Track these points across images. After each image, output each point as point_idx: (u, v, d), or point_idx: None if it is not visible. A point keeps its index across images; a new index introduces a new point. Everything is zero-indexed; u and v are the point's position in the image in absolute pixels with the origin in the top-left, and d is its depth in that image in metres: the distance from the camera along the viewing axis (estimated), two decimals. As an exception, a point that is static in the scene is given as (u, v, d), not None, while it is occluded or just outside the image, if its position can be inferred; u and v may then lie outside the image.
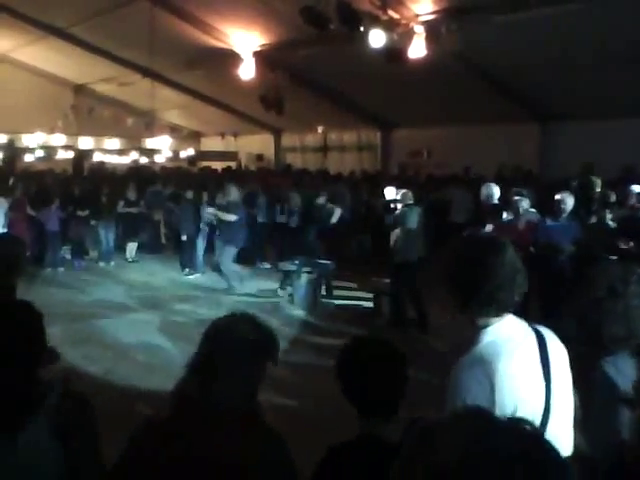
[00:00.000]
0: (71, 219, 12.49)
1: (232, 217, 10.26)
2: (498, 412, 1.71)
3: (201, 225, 11.76)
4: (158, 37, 13.04)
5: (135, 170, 19.49)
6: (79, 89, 20.97)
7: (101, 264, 12.60)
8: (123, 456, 1.91)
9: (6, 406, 1.92)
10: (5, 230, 10.93)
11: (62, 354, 7.03)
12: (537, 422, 1.85)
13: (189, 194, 12.24)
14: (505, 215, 7.98)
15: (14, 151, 19.38)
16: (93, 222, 12.58)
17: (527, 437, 0.82)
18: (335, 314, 9.07)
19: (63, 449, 1.92)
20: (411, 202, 8.32)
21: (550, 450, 0.82)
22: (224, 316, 2.06)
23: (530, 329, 1.98)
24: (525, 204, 7.65)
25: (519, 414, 1.78)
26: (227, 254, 10.37)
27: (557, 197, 7.51)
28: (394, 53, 10.54)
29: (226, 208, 10.46)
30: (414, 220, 8.13)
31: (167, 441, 1.81)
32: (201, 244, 11.90)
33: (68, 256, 12.74)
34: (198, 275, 11.66)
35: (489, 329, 1.93)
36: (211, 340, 1.97)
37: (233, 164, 21.90)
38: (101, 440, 2.06)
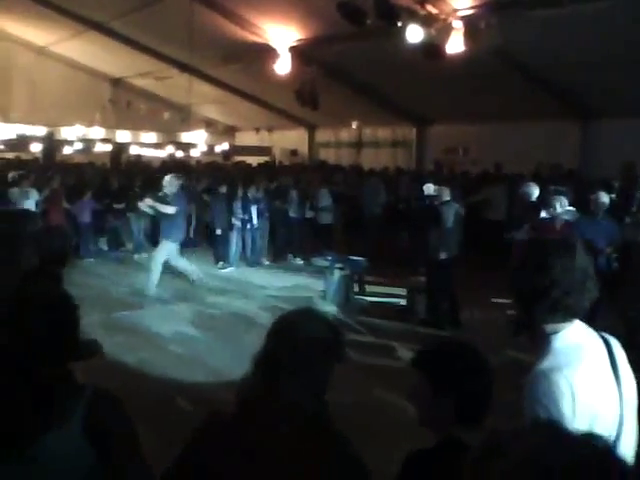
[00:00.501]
0: (107, 211, 12.70)
1: (170, 209, 9.67)
2: (578, 421, 1.73)
3: (233, 220, 11.82)
4: (196, 32, 13.12)
5: (170, 164, 19.69)
6: (117, 83, 21.29)
7: (136, 256, 12.78)
8: (183, 455, 1.86)
9: (35, 404, 1.89)
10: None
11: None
12: (612, 433, 1.82)
13: (223, 188, 12.31)
14: (543, 214, 7.84)
15: (53, 143, 19.74)
16: (128, 214, 12.78)
17: (596, 450, 0.80)
18: (367, 311, 9.03)
19: (96, 450, 1.88)
20: (448, 199, 8.23)
21: (618, 465, 0.79)
22: (291, 311, 1.98)
23: (597, 335, 1.96)
24: (563, 203, 7.50)
25: (597, 423, 1.78)
26: (162, 249, 9.73)
27: (592, 196, 7.37)
28: (431, 48, 10.43)
29: (164, 200, 9.80)
30: (451, 218, 8.05)
31: (229, 442, 1.76)
32: (235, 239, 11.97)
33: (104, 247, 12.97)
34: (232, 269, 11.73)
35: (559, 335, 1.88)
36: (279, 337, 1.88)
37: (267, 159, 21.99)
38: (139, 437, 2.02)
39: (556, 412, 1.73)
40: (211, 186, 13.45)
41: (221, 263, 11.88)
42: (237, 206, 11.76)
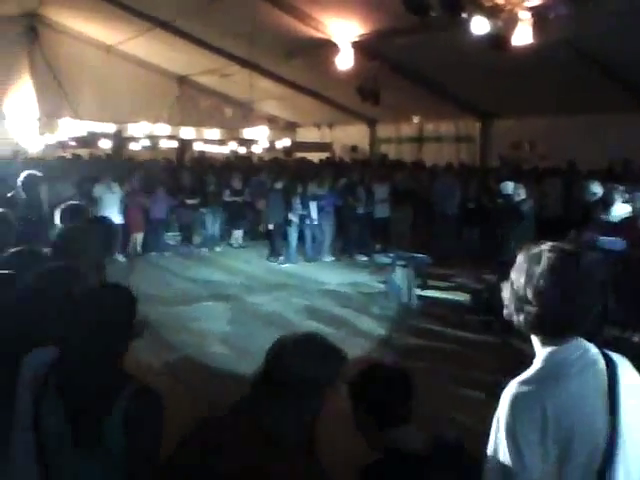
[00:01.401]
0: (179, 206, 13.00)
1: None
2: (548, 446, 1.63)
3: (290, 215, 11.87)
4: (258, 28, 13.22)
5: (238, 160, 20.04)
6: (182, 80, 21.70)
7: (206, 250, 13.07)
8: (169, 456, 1.87)
9: (98, 389, 1.96)
10: (121, 217, 11.53)
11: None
12: (595, 463, 1.65)
13: (279, 184, 12.38)
14: (614, 212, 7.50)
15: (121, 140, 20.31)
16: (202, 209, 13.06)
17: None
18: (429, 308, 8.90)
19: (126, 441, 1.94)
20: (525, 197, 8.00)
21: None
22: (292, 335, 1.94)
23: (600, 355, 1.78)
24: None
25: (572, 451, 1.64)
26: None
27: None
28: (498, 40, 10.14)
29: None
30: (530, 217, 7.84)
31: (209, 450, 1.76)
32: (294, 234, 12.01)
33: (173, 242, 13.32)
34: (288, 265, 11.79)
35: (550, 350, 1.76)
36: (273, 360, 1.86)
37: (328, 155, 21.99)
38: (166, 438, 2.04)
39: (520, 432, 1.63)
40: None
41: (277, 258, 11.96)
42: (296, 202, 11.81)
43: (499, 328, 7.66)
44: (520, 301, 1.78)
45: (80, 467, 1.95)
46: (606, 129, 13.37)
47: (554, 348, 1.75)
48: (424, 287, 9.67)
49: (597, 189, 8.04)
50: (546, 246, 1.82)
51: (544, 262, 1.77)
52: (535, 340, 1.80)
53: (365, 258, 12.25)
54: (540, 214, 11.47)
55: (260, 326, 7.81)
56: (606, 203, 7.58)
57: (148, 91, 20.23)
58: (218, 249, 13.21)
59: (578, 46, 11.39)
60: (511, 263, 1.85)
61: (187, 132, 21.87)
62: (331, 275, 10.97)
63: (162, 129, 20.88)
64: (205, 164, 18.70)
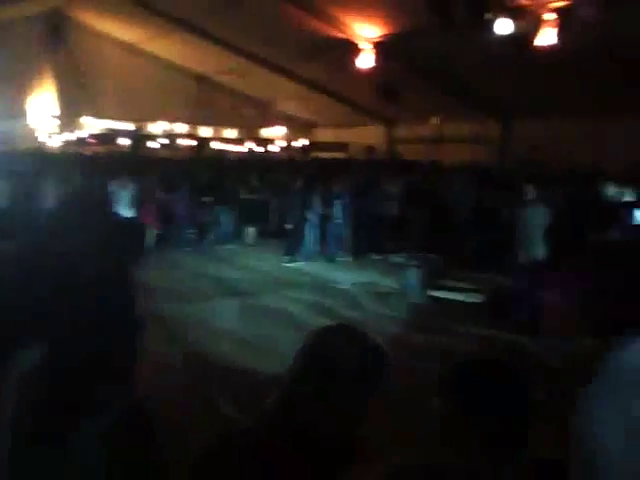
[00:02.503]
0: (197, 204, 13.10)
1: None
2: (631, 451, 1.49)
3: (308, 214, 11.84)
4: (278, 28, 13.25)
5: (255, 159, 20.10)
6: (201, 79, 21.78)
7: (221, 247, 13.15)
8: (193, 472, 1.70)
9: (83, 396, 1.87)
10: (133, 212, 11.70)
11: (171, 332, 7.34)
12: None
13: (298, 183, 12.38)
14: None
15: (140, 138, 20.44)
16: (217, 207, 13.19)
17: None
18: (442, 309, 8.82)
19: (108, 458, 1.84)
20: (535, 199, 7.89)
21: None
22: (326, 328, 1.77)
23: None
24: None
25: None
26: None
27: None
28: (521, 41, 10.07)
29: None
30: (538, 219, 7.71)
31: (241, 466, 1.60)
32: (309, 233, 11.97)
33: (193, 238, 13.44)
34: (302, 263, 11.76)
35: (623, 353, 1.64)
36: (306, 358, 1.70)
37: (344, 155, 21.95)
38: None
39: (611, 446, 1.50)
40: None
41: (289, 257, 11.94)
42: (315, 200, 11.78)
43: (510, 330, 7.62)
44: (597, 305, 1.76)
45: (49, 468, 1.88)
46: (628, 131, 13.18)
47: (625, 351, 1.64)
48: (437, 288, 9.58)
49: (618, 192, 7.96)
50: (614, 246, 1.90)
51: (617, 265, 1.79)
52: (608, 342, 1.69)
53: (378, 257, 12.19)
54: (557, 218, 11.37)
55: (272, 325, 7.76)
56: (631, 207, 7.50)
57: (167, 90, 20.34)
58: (232, 247, 13.26)
59: (602, 47, 11.24)
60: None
61: (205, 131, 21.99)
62: (344, 274, 10.91)
63: (180, 128, 21.02)
64: (222, 163, 18.74)
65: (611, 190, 8.14)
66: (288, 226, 12.03)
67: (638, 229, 7.09)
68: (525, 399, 1.65)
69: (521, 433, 1.63)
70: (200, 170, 14.60)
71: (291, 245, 12.05)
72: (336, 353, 1.67)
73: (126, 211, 11.60)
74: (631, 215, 7.54)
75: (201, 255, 12.46)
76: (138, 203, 12.06)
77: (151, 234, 12.56)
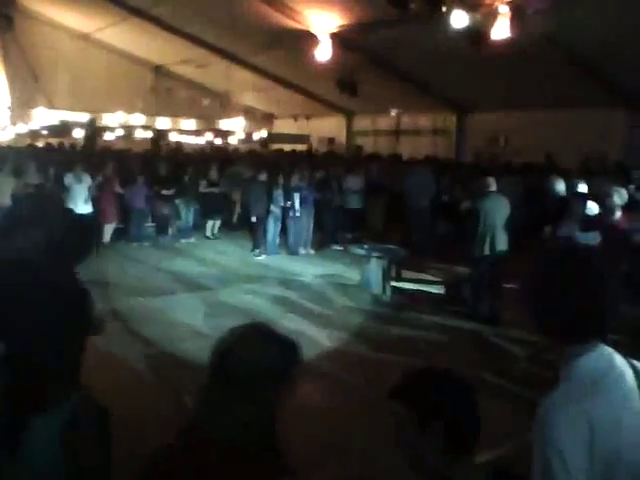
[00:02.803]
0: (156, 197, 12.94)
1: None
2: (597, 463, 1.51)
3: (272, 207, 11.82)
4: (237, 18, 13.12)
5: (214, 151, 19.90)
6: (158, 70, 21.46)
7: (182, 241, 13.02)
8: None
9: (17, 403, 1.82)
10: (89, 205, 11.50)
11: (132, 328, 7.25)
12: None
13: (262, 176, 12.33)
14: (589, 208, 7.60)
15: (95, 130, 20.02)
16: (177, 200, 13.04)
17: None
18: (403, 300, 8.93)
19: (65, 456, 1.79)
20: (493, 190, 7.95)
21: None
22: (237, 328, 1.76)
23: (625, 361, 1.70)
24: (623, 195, 7.26)
25: (619, 471, 1.53)
26: None
27: None
28: (476, 34, 10.21)
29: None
30: (494, 210, 7.82)
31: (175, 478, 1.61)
32: (272, 226, 11.96)
33: (152, 232, 13.27)
34: (265, 256, 11.75)
35: (580, 360, 1.64)
36: (219, 361, 1.69)
37: (305, 147, 21.94)
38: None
39: (570, 456, 1.49)
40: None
41: (257, 250, 11.92)
42: (278, 194, 11.76)
43: (472, 320, 7.76)
44: (551, 307, 1.67)
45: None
46: (579, 124, 13.53)
47: (584, 357, 1.63)
48: (398, 279, 9.69)
49: (561, 186, 8.12)
50: (560, 249, 1.81)
51: (565, 266, 1.70)
52: (565, 348, 1.68)
53: (340, 249, 12.26)
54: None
55: (234, 318, 7.74)
56: (583, 198, 7.68)
57: (123, 80, 19.97)
58: (193, 240, 13.14)
59: (556, 41, 11.50)
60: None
61: (163, 122, 21.66)
62: (307, 267, 10.94)
63: (137, 119, 20.65)
64: (181, 155, 18.53)
65: (564, 182, 8.30)
66: (253, 219, 11.96)
67: (591, 220, 7.27)
68: (474, 407, 1.68)
69: (470, 439, 1.66)
70: (159, 162, 14.40)
71: (259, 239, 12.00)
72: (249, 353, 1.67)
73: (83, 205, 11.46)
74: (584, 206, 7.71)
75: (160, 249, 12.33)
76: (96, 197, 11.89)
77: (109, 228, 12.40)
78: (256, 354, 1.66)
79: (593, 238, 6.87)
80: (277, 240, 12.12)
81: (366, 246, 9.77)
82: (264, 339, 1.73)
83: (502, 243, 7.76)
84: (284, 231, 12.11)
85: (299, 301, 8.73)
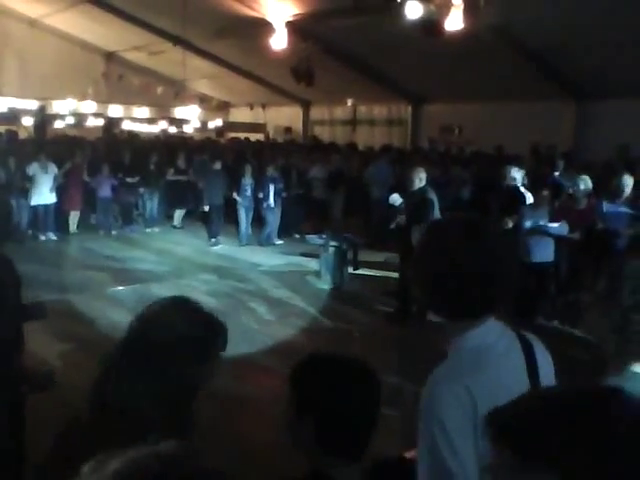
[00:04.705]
0: (120, 186, 12.83)
1: None
2: (481, 439, 1.39)
3: (236, 196, 11.75)
4: (190, 5, 12.91)
5: (169, 139, 19.62)
6: (110, 57, 20.99)
7: (147, 230, 12.93)
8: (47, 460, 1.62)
9: None
10: (54, 194, 11.56)
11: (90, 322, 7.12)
12: None
13: (217, 164, 12.26)
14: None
15: (44, 117, 19.48)
16: (142, 189, 12.94)
17: None
18: (361, 289, 9.04)
19: None
20: (424, 184, 7.64)
21: None
22: (159, 301, 1.74)
23: (515, 335, 1.65)
24: (587, 183, 7.51)
25: None
26: None
27: (614, 179, 7.31)
28: (430, 25, 10.29)
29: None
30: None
31: (84, 449, 1.58)
32: (244, 216, 11.86)
33: (117, 221, 13.15)
34: (222, 246, 11.70)
35: (467, 334, 1.58)
36: (137, 329, 1.65)
37: (261, 136, 21.83)
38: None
39: (453, 429, 1.44)
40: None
41: (212, 240, 11.85)
42: (246, 183, 11.72)
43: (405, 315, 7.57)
44: (429, 280, 1.62)
45: None
46: (530, 116, 13.84)
47: (469, 332, 1.58)
48: (356, 268, 9.80)
49: (518, 174, 8.29)
50: (450, 219, 1.71)
51: (454, 234, 1.61)
52: (451, 324, 1.62)
53: (301, 239, 12.30)
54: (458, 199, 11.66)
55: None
56: (551, 188, 7.86)
57: (73, 67, 19.45)
58: (157, 230, 13.04)
59: (505, 33, 11.71)
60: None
61: (115, 110, 21.22)
62: (264, 256, 10.96)
63: (88, 106, 20.18)
64: (139, 142, 18.22)
65: (514, 172, 8.45)
66: (205, 208, 11.89)
67: (559, 210, 7.52)
68: (368, 395, 1.59)
69: (363, 432, 1.58)
70: (123, 150, 14.22)
71: (213, 228, 11.93)
72: (167, 322, 1.63)
73: (48, 194, 11.45)
74: (549, 197, 7.86)
75: (118, 239, 12.18)
76: (62, 184, 11.77)
77: (75, 216, 12.35)
78: (174, 323, 1.62)
79: (564, 229, 7.04)
80: (249, 230, 12.05)
81: (324, 235, 9.84)
82: (184, 311, 1.69)
83: None
84: (258, 222, 12.07)
85: (255, 290, 8.77)
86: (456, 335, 1.60)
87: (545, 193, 7.53)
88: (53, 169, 11.66)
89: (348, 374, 1.59)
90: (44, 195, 11.48)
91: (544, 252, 7.31)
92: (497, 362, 1.56)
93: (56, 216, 12.01)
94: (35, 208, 11.68)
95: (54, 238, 11.90)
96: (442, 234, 1.65)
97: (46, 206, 11.73)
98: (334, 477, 1.52)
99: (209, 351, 1.66)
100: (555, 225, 7.23)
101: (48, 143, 15.46)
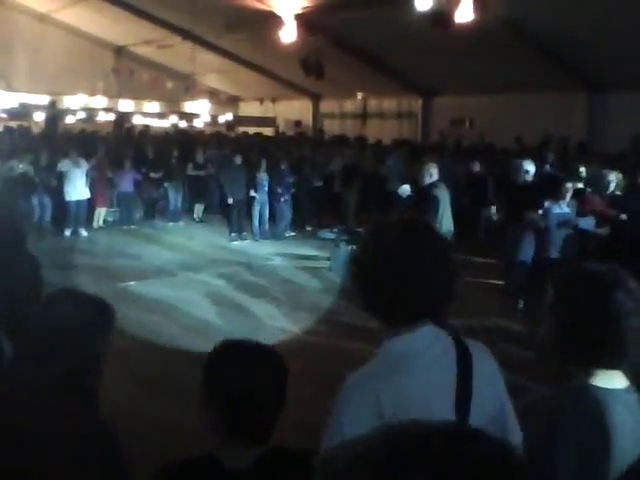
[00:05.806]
0: (144, 180, 12.94)
1: None
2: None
3: (253, 192, 11.74)
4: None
5: (175, 134, 19.65)
6: (120, 51, 21.02)
7: (170, 224, 13.02)
8: None
9: None
10: (87, 189, 11.67)
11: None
12: None
13: (238, 159, 12.22)
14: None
15: (56, 112, 19.56)
16: (166, 184, 13.05)
17: None
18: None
19: None
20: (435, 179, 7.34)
21: None
22: (53, 292, 1.95)
23: (452, 342, 1.57)
24: (612, 177, 7.42)
25: None
26: None
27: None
28: (440, 17, 10.25)
29: None
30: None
31: None
32: (257, 211, 11.85)
33: (141, 216, 13.31)
34: (241, 241, 11.70)
35: (394, 339, 1.54)
36: (35, 316, 1.87)
37: (271, 130, 21.81)
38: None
39: (350, 431, 1.38)
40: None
41: (232, 235, 11.83)
42: (262, 178, 11.71)
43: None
44: (366, 282, 1.57)
45: None
46: (542, 107, 13.74)
47: (399, 337, 1.54)
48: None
49: (531, 167, 8.18)
50: (389, 222, 1.63)
51: (389, 239, 1.55)
52: (386, 328, 1.58)
53: (315, 234, 12.28)
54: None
55: (199, 302, 7.75)
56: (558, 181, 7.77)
57: (84, 62, 19.49)
58: (180, 223, 13.14)
59: (516, 25, 11.62)
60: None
61: (125, 105, 21.27)
62: (278, 250, 10.95)
63: (99, 101, 20.23)
64: (148, 137, 18.26)
65: (527, 165, 8.33)
66: (231, 202, 11.82)
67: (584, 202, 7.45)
68: (272, 380, 1.62)
69: (267, 416, 1.61)
70: (146, 145, 14.30)
71: (234, 223, 11.87)
72: (57, 308, 1.82)
73: (83, 190, 11.56)
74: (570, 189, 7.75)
75: (149, 233, 12.24)
76: (89, 181, 11.79)
77: (101, 213, 12.40)
78: (63, 308, 1.80)
79: (591, 224, 6.91)
80: (266, 226, 12.04)
81: (336, 230, 9.81)
82: (72, 298, 1.87)
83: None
84: (272, 216, 12.07)
85: (266, 285, 8.75)
86: (385, 341, 1.57)
87: (569, 185, 7.32)
88: (85, 164, 11.69)
89: (252, 359, 1.64)
90: (79, 190, 11.52)
91: (568, 248, 7.05)
92: (420, 369, 1.50)
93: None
94: (67, 204, 11.56)
95: (85, 234, 11.80)
96: (378, 239, 1.58)
97: (79, 202, 11.63)
98: (222, 460, 1.58)
99: (101, 333, 1.82)
100: (586, 219, 7.06)
101: (69, 138, 15.55)
